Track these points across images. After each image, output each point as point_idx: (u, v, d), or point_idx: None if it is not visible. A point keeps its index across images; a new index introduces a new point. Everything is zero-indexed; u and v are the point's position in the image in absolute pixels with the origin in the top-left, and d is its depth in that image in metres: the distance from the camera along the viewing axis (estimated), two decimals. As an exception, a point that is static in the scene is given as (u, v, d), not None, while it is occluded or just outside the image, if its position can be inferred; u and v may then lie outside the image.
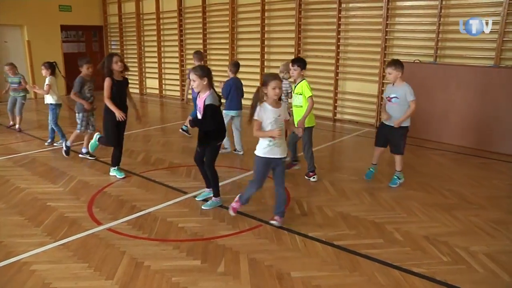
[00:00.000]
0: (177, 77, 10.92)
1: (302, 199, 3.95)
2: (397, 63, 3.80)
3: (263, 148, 3.08)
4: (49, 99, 5.78)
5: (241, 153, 5.31)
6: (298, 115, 4.10)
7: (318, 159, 4.95)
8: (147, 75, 11.92)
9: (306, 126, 4.03)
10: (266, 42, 8.69)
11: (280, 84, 3.03)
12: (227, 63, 9.24)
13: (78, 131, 5.08)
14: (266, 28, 8.64)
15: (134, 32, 11.75)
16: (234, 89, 5.10)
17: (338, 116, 7.77)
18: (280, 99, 3.19)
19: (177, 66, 10.78)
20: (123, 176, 4.44)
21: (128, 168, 4.86)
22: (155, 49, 11.26)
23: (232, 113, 5.17)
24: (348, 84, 7.55)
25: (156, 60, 11.31)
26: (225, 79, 5.30)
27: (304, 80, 4.06)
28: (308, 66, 4.61)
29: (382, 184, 4.31)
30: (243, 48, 9.20)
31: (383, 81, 6.99)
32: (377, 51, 7.01)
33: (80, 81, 4.95)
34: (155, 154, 5.55)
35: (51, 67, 5.85)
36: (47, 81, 5.73)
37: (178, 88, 10.98)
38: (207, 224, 3.41)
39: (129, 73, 12.21)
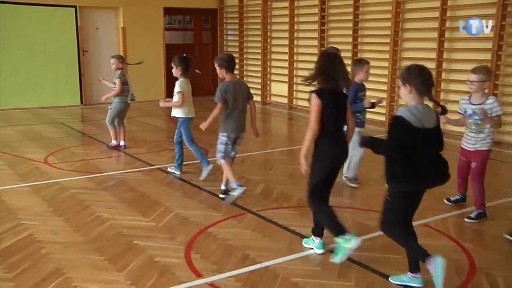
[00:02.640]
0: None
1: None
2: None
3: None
4: (179, 112, 5.79)
5: (355, 185, 5.47)
6: None
7: None
8: (273, 77, 12.46)
9: None
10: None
11: None
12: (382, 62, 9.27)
13: (223, 160, 5.02)
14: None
15: (258, 19, 12.51)
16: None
17: None
18: None
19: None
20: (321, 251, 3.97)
21: (241, 203, 5.08)
22: (286, 42, 11.72)
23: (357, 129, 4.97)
24: None
25: (286, 57, 11.71)
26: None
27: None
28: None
29: None
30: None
31: None
32: None
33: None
34: (278, 186, 5.68)
35: (184, 63, 5.68)
36: (177, 87, 5.72)
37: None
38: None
39: (250, 74, 12.98)
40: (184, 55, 5.91)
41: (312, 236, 3.99)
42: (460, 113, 4.63)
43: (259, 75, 12.59)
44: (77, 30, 11.80)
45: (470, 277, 3.59)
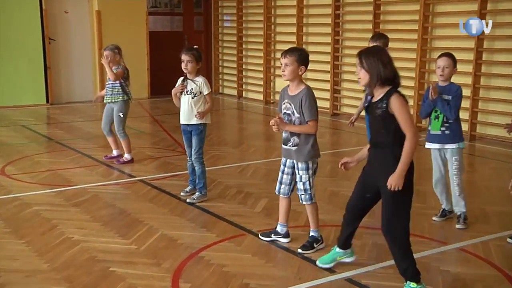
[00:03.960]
0: (326, 76, 11.31)
1: None
2: None
3: None
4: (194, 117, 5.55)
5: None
6: None
7: None
8: (278, 71, 12.44)
9: None
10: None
11: None
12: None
13: (284, 195, 4.59)
14: None
15: (260, 2, 12.62)
16: None
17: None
18: None
19: (328, 59, 11.17)
20: None
21: (240, 222, 5.10)
22: (293, 29, 11.87)
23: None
24: None
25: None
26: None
27: None
28: None
29: None
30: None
31: None
32: None
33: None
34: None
35: (199, 56, 5.55)
36: (206, 86, 5.54)
37: (327, 95, 11.33)
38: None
39: (250, 68, 13.13)
40: (196, 46, 5.83)
41: (341, 249, 4.08)
42: None
43: (261, 69, 12.65)
44: (41, 14, 11.83)
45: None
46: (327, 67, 11.17)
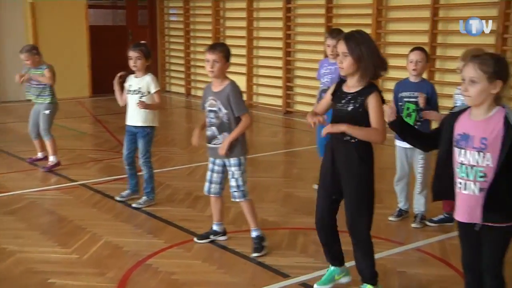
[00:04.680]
0: (278, 73, 11.37)
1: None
2: None
3: None
4: (147, 119, 5.49)
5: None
6: None
7: None
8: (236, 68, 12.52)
9: None
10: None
11: None
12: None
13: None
14: None
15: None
16: None
17: None
18: None
19: (280, 54, 11.26)
20: None
21: (189, 226, 5.08)
22: (243, 23, 11.85)
23: None
24: None
25: (244, 43, 11.88)
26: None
27: None
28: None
29: None
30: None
31: None
32: None
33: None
34: (236, 204, 5.49)
35: (148, 52, 5.61)
36: (155, 83, 5.52)
37: (280, 93, 11.34)
38: None
39: (198, 65, 13.07)
40: (144, 42, 5.77)
41: (337, 266, 3.91)
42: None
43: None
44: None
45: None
46: (279, 63, 11.25)
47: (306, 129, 9.26)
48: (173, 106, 12.86)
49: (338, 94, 3.58)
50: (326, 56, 6.13)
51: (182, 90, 13.73)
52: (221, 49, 4.35)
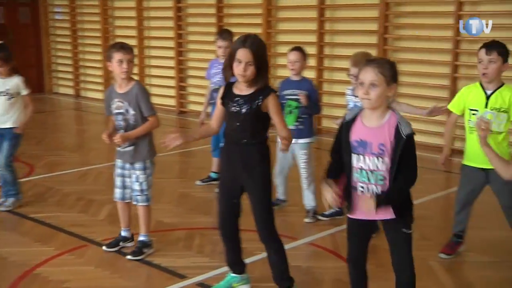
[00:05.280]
0: (171, 73, 11.33)
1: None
2: None
3: None
4: (9, 119, 5.35)
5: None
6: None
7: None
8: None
9: None
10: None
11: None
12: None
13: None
14: None
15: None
16: None
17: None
18: None
19: (172, 54, 11.21)
20: None
21: (81, 232, 4.94)
22: (133, 23, 11.68)
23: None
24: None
25: (135, 43, 11.62)
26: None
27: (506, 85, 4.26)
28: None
29: None
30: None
31: None
32: None
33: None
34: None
35: (6, 55, 5.30)
36: (24, 86, 5.38)
37: (173, 93, 11.31)
38: None
39: (89, 67, 12.70)
40: (1, 42, 5.49)
41: (237, 274, 3.87)
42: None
43: (101, 65, 12.30)
44: None
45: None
46: (171, 63, 11.17)
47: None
48: (62, 108, 12.43)
49: (229, 97, 3.54)
50: (217, 56, 6.16)
51: (70, 91, 13.29)
52: (131, 50, 4.26)
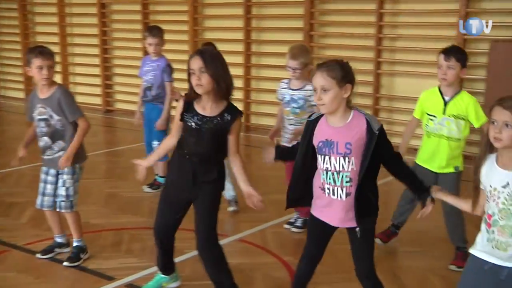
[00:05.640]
0: (96, 71, 11.11)
1: None
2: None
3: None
4: None
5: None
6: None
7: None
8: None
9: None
10: None
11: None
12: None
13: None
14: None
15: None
16: None
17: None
18: None
19: (97, 52, 11.01)
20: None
21: (2, 236, 4.79)
22: (55, 19, 11.33)
23: None
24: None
25: (57, 40, 11.36)
26: None
27: (464, 92, 4.29)
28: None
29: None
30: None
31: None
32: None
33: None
34: None
35: None
36: None
37: (98, 91, 11.11)
38: None
39: (8, 65, 12.33)
40: None
41: (166, 275, 3.82)
42: (279, 99, 4.87)
43: (20, 63, 11.85)
44: None
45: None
46: (96, 61, 10.94)
47: (129, 127, 9.14)
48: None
49: (190, 115, 3.39)
50: (147, 53, 6.08)
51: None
52: (52, 55, 4.06)
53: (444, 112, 4.14)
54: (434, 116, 4.19)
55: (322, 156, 2.99)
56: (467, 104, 4.10)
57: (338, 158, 2.96)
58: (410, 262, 4.34)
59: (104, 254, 4.41)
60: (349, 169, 2.95)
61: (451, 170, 4.18)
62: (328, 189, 3.02)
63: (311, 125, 3.07)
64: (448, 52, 4.11)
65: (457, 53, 4.09)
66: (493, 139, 2.55)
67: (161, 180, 6.03)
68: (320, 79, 2.90)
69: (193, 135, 3.38)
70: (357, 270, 3.18)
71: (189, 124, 3.37)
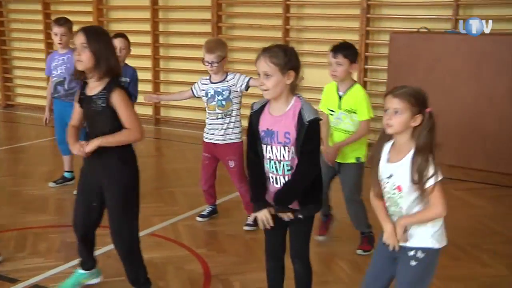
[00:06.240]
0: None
1: None
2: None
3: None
4: None
5: None
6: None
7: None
8: None
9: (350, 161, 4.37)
10: None
11: None
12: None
13: None
14: None
15: None
16: None
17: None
18: None
19: None
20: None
21: None
22: None
23: None
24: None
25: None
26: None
27: (357, 84, 4.35)
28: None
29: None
30: None
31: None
32: None
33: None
34: None
35: None
36: None
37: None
38: None
39: None
40: None
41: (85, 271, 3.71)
42: (199, 96, 4.77)
43: None
44: None
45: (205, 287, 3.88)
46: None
47: (32, 122, 8.81)
48: None
49: (83, 98, 3.33)
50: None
51: None
52: None
53: (339, 107, 4.24)
54: (333, 111, 4.28)
55: (265, 146, 2.98)
56: (356, 98, 4.20)
57: (278, 148, 2.94)
58: (318, 249, 4.40)
59: (7, 256, 4.21)
60: (289, 158, 2.94)
61: (353, 161, 4.29)
62: (272, 177, 3.01)
63: (255, 117, 3.03)
64: (335, 50, 4.17)
65: (344, 49, 4.13)
66: (386, 125, 2.65)
67: (68, 175, 5.88)
68: (263, 65, 2.87)
69: (90, 119, 3.36)
70: (292, 251, 3.18)
71: (85, 109, 3.36)
